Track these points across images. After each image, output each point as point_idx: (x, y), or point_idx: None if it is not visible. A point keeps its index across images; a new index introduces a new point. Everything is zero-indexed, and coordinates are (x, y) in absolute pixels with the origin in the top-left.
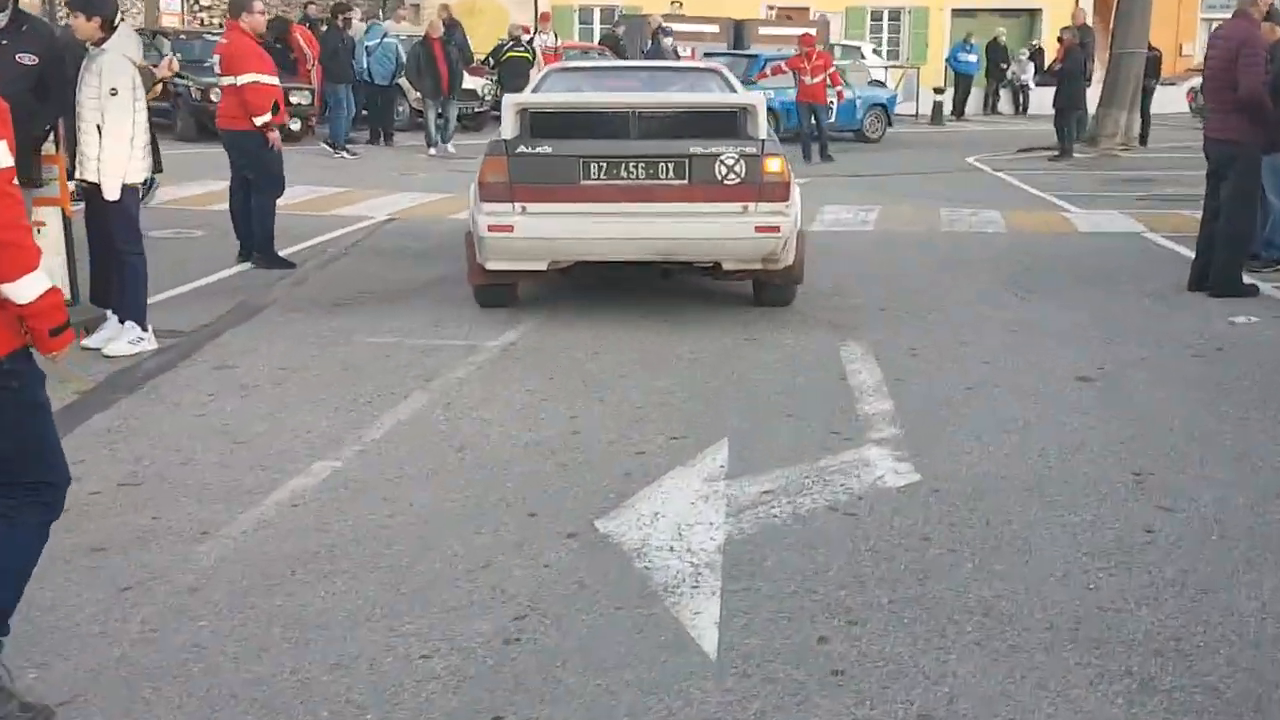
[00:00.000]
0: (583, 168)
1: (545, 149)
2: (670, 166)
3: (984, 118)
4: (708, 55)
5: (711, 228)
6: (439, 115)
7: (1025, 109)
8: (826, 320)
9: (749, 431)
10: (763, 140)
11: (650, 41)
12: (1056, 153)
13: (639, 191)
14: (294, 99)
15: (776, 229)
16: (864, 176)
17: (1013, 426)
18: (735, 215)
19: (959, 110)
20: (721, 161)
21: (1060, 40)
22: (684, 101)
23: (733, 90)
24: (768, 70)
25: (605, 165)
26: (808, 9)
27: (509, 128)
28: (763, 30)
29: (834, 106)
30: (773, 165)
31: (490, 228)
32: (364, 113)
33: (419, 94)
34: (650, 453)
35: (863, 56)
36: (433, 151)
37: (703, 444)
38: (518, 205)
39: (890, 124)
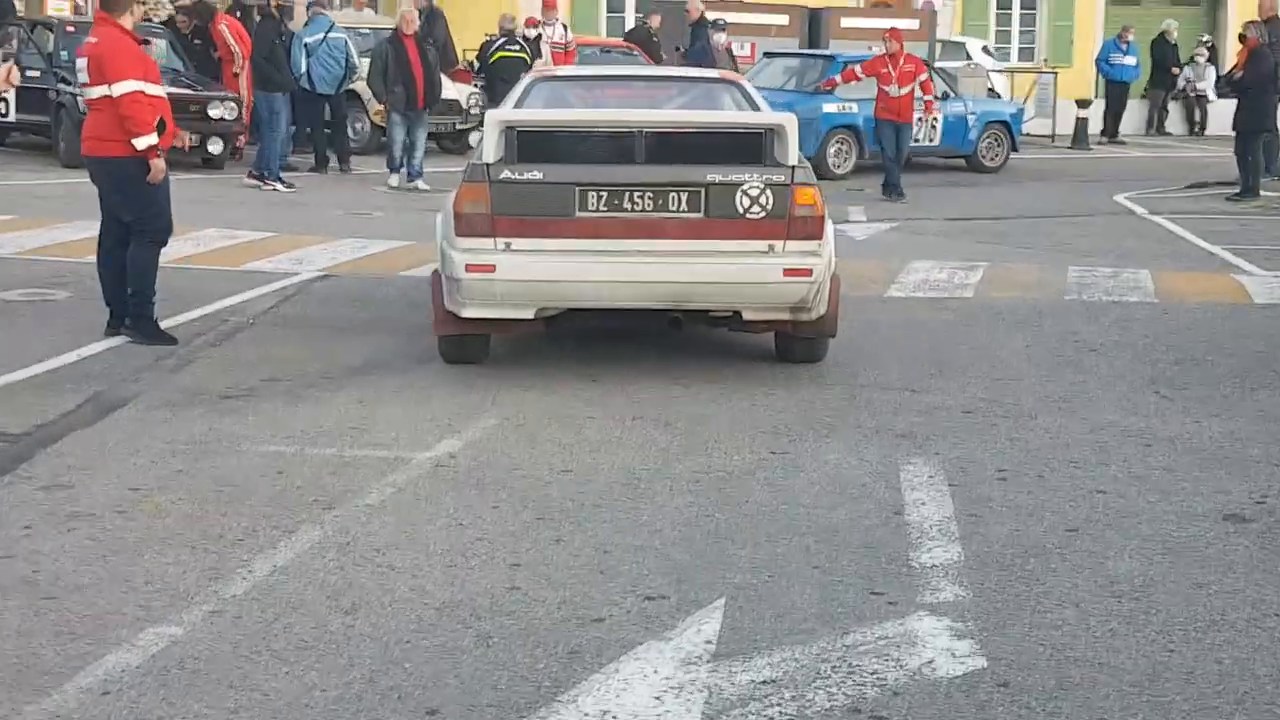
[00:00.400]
0: (579, 197)
1: (534, 174)
2: (683, 197)
3: (1147, 139)
4: (768, 55)
5: (732, 269)
6: (407, 135)
7: (1203, 128)
8: (890, 426)
9: (755, 590)
10: (793, 167)
11: (691, 37)
12: (1238, 190)
13: (646, 225)
14: (215, 111)
15: (808, 272)
16: (972, 221)
17: (1126, 589)
18: (760, 255)
19: (1112, 130)
20: (744, 192)
21: (1242, 39)
22: (701, 120)
23: (755, 107)
24: (837, 77)
25: (606, 194)
26: None
27: (491, 149)
28: (847, 21)
29: (926, 123)
30: (805, 197)
31: (469, 267)
32: (306, 130)
33: (383, 105)
34: (612, 620)
35: (968, 57)
36: (394, 182)
37: (687, 608)
38: (501, 240)
39: (1015, 148)
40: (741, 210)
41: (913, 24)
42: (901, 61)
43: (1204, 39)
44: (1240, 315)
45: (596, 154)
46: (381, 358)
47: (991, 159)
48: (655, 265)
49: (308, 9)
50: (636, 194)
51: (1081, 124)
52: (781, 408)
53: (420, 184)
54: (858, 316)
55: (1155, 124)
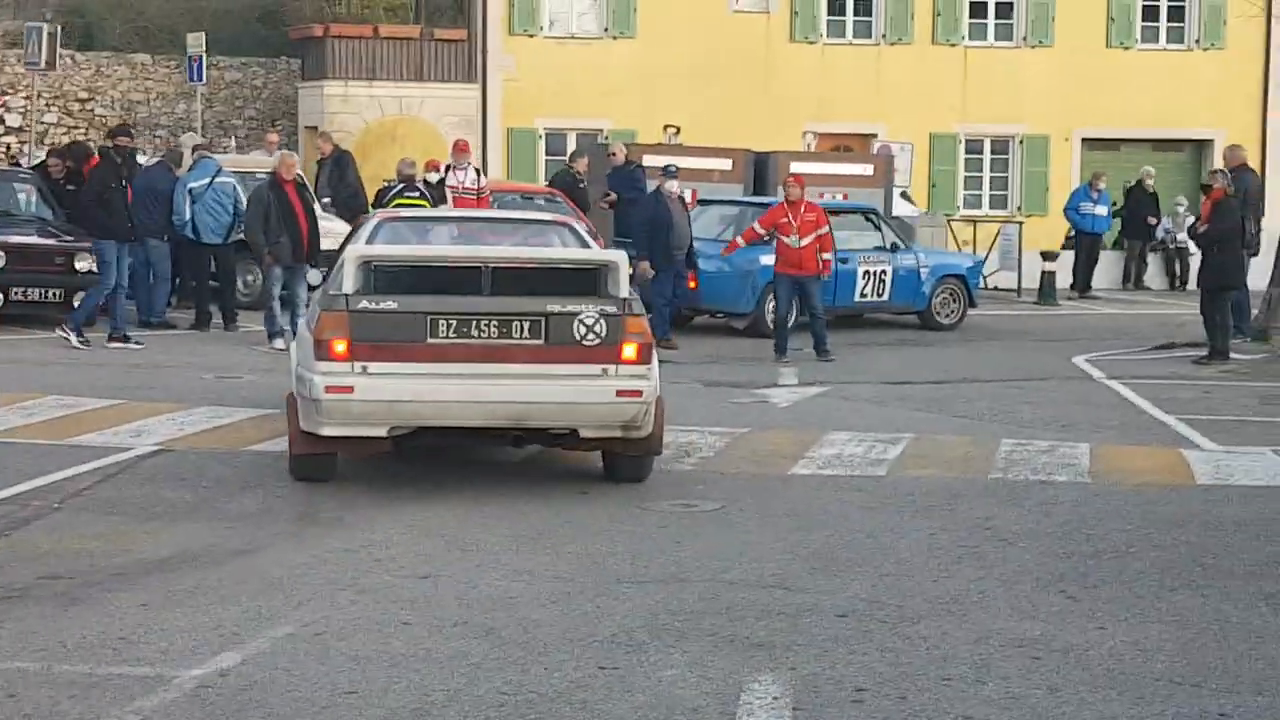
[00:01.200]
0: (430, 325)
1: (389, 304)
2: (526, 325)
3: (1123, 294)
4: (703, 203)
5: (569, 391)
6: (284, 289)
7: (1184, 282)
8: (747, 634)
9: None
10: (624, 299)
11: (619, 180)
12: (1205, 353)
13: (492, 351)
14: (81, 264)
15: (639, 393)
16: (910, 385)
17: None
18: (595, 378)
19: (1083, 283)
20: (581, 321)
21: (1205, 190)
22: (541, 257)
23: (587, 245)
24: (739, 239)
25: (455, 323)
26: (872, 135)
27: (349, 280)
28: (797, 166)
29: (874, 277)
30: (635, 325)
31: (329, 389)
32: (191, 283)
33: (261, 257)
34: None
35: (903, 197)
36: (279, 345)
37: None
38: (358, 364)
39: (972, 303)
40: (579, 337)
41: (866, 169)
42: (803, 210)
43: (1179, 202)
44: (1179, 498)
45: (447, 286)
46: (191, 549)
47: (946, 316)
48: (500, 386)
49: (193, 151)
50: (483, 323)
51: (1048, 277)
52: (629, 610)
53: (279, 343)
54: (751, 499)
55: (1133, 277)
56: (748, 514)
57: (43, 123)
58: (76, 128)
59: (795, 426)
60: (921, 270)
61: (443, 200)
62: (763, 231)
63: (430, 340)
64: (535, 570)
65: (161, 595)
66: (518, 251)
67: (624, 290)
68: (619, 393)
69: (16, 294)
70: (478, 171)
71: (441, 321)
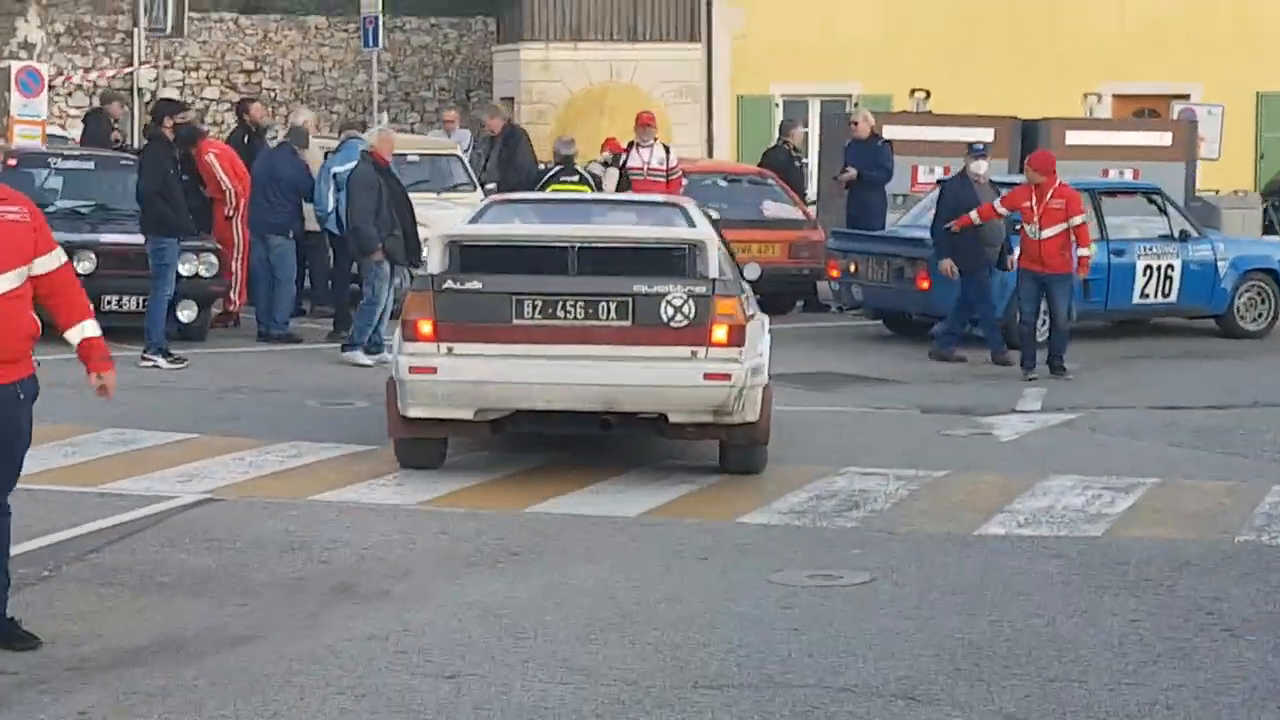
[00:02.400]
0: (515, 305)
1: (474, 285)
2: (612, 306)
3: None
4: (941, 183)
5: (656, 373)
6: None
7: None
8: None
9: None
10: (714, 279)
11: (869, 158)
12: None
13: (577, 332)
14: (185, 268)
15: (727, 377)
16: (1182, 411)
17: None
18: (682, 360)
19: None
20: (668, 302)
21: None
22: (628, 236)
23: (694, 227)
24: (972, 215)
25: (540, 303)
26: (1183, 96)
27: (435, 261)
28: (1075, 136)
29: (1159, 273)
30: (725, 307)
31: (412, 369)
32: (328, 283)
33: (370, 254)
34: None
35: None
36: (364, 359)
37: None
38: (443, 345)
39: None
40: (666, 319)
41: (1163, 139)
42: (1049, 196)
43: None
44: None
45: (533, 266)
46: (178, 635)
47: (1253, 320)
48: (586, 368)
49: (340, 132)
50: (569, 303)
51: None
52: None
53: (361, 356)
54: (914, 568)
55: None
56: (902, 590)
57: (203, 98)
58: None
59: (1009, 468)
60: (1219, 263)
61: (627, 185)
62: (1004, 211)
63: (516, 321)
64: (594, 669)
65: (111, 700)
66: (605, 229)
67: (714, 270)
68: (707, 375)
69: (109, 303)
70: (666, 150)
71: (527, 302)
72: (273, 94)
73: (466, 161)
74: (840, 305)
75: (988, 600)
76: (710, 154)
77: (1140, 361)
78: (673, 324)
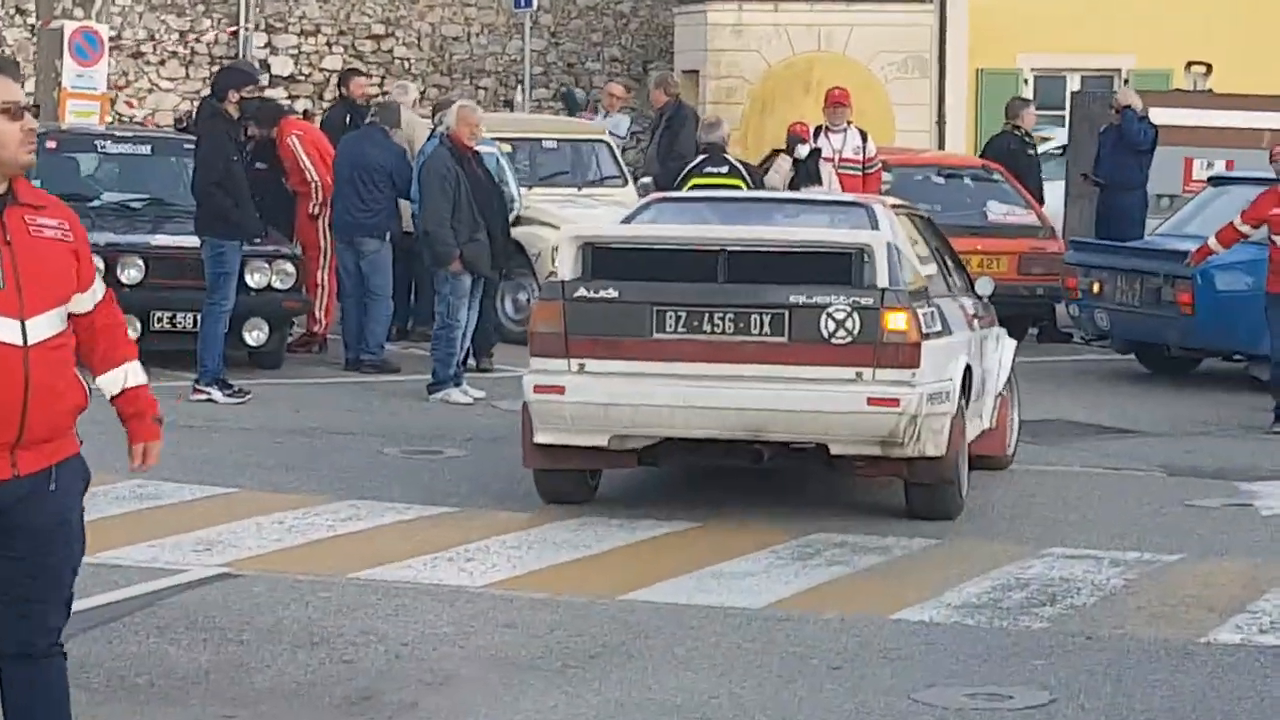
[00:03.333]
0: (656, 317)
1: (610, 292)
2: (765, 319)
3: None
4: (1217, 181)
5: (814, 397)
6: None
7: None
8: None
9: None
10: (883, 290)
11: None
12: None
13: (725, 349)
14: (255, 279)
15: (895, 402)
16: None
17: None
18: (844, 382)
19: None
20: (829, 315)
21: None
22: (784, 239)
23: (875, 230)
24: (1209, 242)
25: (684, 315)
26: None
27: (567, 266)
28: None
29: None
30: (895, 321)
31: (538, 388)
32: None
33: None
34: None
35: None
36: (456, 396)
37: None
38: (574, 362)
39: None
40: (826, 334)
41: None
42: None
43: None
44: None
45: (677, 273)
46: None
47: None
48: (735, 391)
49: (433, 115)
50: (717, 315)
51: None
52: None
53: (455, 394)
54: (1108, 687)
55: None
56: (1088, 716)
57: (322, 69)
58: (368, 74)
59: (1266, 552)
60: None
61: (814, 179)
62: (1248, 230)
63: (656, 335)
64: None
65: None
66: (757, 232)
67: (884, 279)
68: (871, 400)
69: (160, 320)
70: (863, 136)
71: (669, 313)
72: (406, 64)
73: (618, 150)
74: (1084, 335)
75: None
76: (941, 143)
77: None
78: (834, 340)
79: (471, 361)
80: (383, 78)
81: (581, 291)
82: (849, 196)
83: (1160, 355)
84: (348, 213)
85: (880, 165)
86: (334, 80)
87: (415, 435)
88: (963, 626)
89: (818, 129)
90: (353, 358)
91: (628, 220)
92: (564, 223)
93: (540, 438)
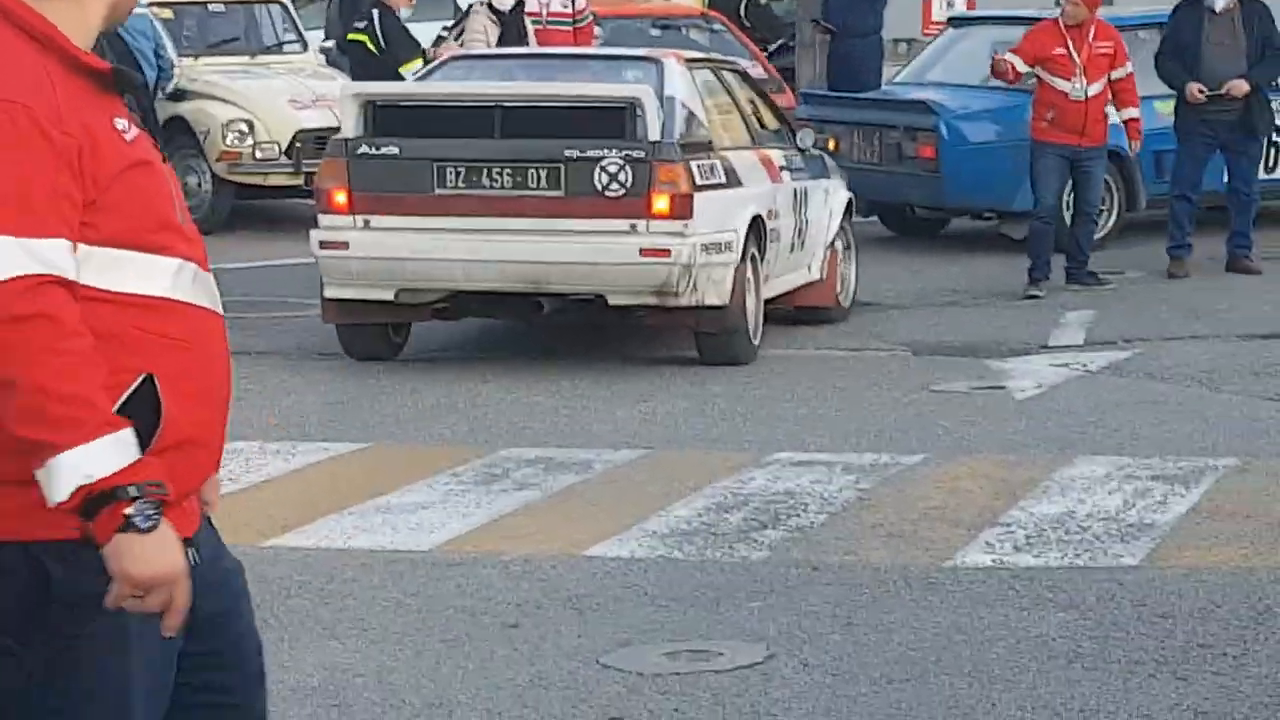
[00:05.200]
0: (436, 173)
1: (391, 149)
2: (541, 173)
3: None
4: (957, 22)
5: (589, 250)
6: None
7: None
8: None
9: None
10: (655, 142)
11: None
12: None
13: (504, 203)
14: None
15: (666, 253)
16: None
17: None
18: (618, 234)
19: None
20: (602, 168)
21: None
22: (557, 94)
23: (661, 86)
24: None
25: (463, 170)
26: None
27: (350, 124)
28: None
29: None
30: (668, 174)
31: (324, 244)
32: None
33: None
34: None
35: None
36: None
37: None
38: (359, 218)
39: None
40: (600, 187)
41: None
42: (1091, 37)
43: None
44: None
45: (456, 129)
46: None
47: None
48: (514, 244)
49: None
50: (495, 170)
51: None
52: None
53: None
54: (837, 632)
55: None
56: (811, 675)
57: None
58: None
59: (1020, 446)
60: None
61: (523, 37)
62: (1023, 68)
63: (437, 190)
64: None
65: None
66: (532, 87)
67: (656, 132)
68: (644, 251)
69: None
70: None
71: (449, 169)
72: None
73: (293, 10)
74: None
75: (945, 695)
76: None
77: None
78: (607, 193)
79: None
80: None
81: (364, 149)
82: (640, 51)
83: (904, 217)
84: None
85: (591, 18)
86: None
87: None
88: (667, 561)
89: None
90: None
91: (423, 78)
92: (235, 96)
93: (329, 292)
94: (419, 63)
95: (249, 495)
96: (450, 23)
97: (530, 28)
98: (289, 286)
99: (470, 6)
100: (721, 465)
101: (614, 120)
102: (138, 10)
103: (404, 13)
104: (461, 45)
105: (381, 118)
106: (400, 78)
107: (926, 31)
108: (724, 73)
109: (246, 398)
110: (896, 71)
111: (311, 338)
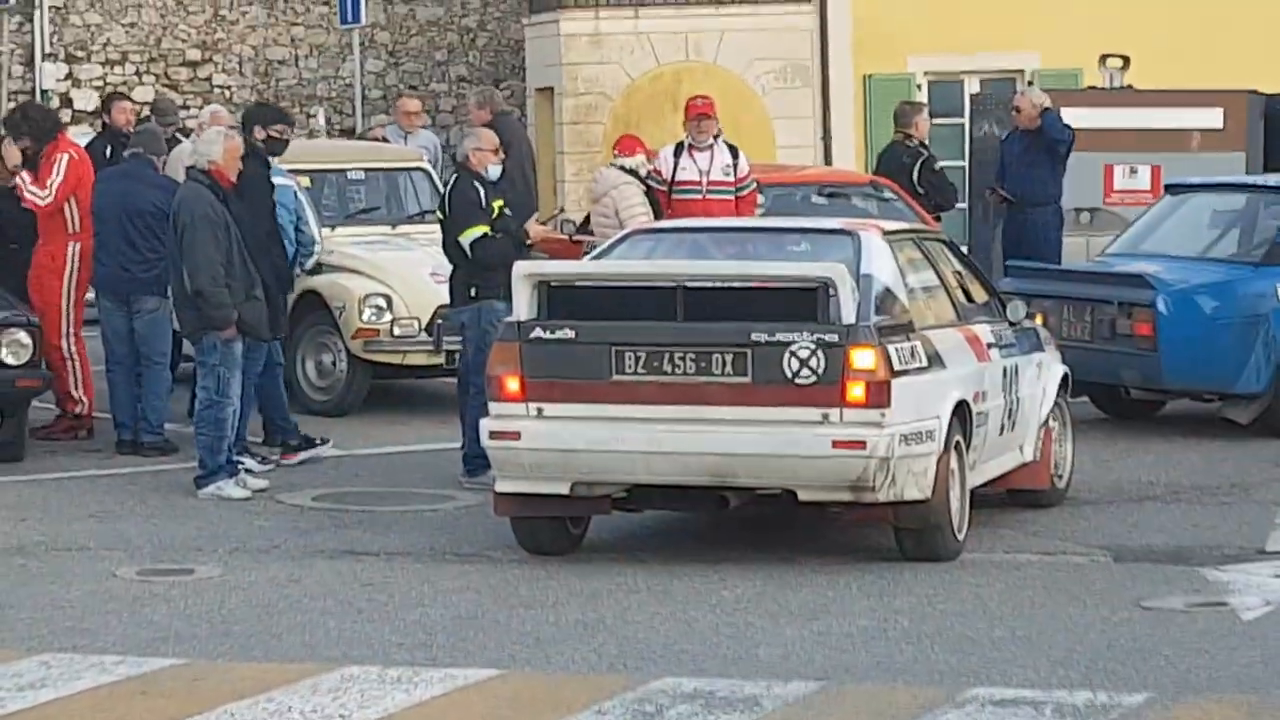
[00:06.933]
0: (614, 358)
1: (566, 333)
2: (727, 359)
3: None
4: (1172, 190)
5: (777, 441)
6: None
7: None
8: None
9: None
10: (848, 326)
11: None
12: None
13: (686, 391)
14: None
15: (862, 445)
16: None
17: None
18: (809, 424)
19: None
20: (792, 353)
21: None
22: (742, 273)
23: (860, 259)
24: None
25: (644, 355)
26: None
27: (522, 305)
28: None
29: None
30: (862, 359)
31: (494, 434)
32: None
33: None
34: None
35: None
36: (241, 491)
37: None
38: (532, 406)
39: None
40: (790, 374)
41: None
42: None
43: None
44: None
45: (635, 311)
46: None
47: None
48: (697, 435)
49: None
50: (677, 355)
51: None
52: None
53: (229, 486)
54: None
55: None
56: None
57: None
58: (185, 107)
59: (1263, 685)
60: None
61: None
62: None
63: (615, 376)
64: None
65: None
66: (716, 266)
67: (850, 314)
68: (836, 444)
69: None
70: (734, 151)
71: (628, 353)
72: (227, 93)
73: (438, 179)
74: None
75: None
76: (828, 158)
77: None
78: (798, 380)
79: (254, 456)
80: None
81: (537, 332)
82: (837, 223)
83: (1118, 397)
84: (120, 265)
85: (755, 185)
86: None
87: (166, 548)
88: None
89: (678, 146)
90: (128, 439)
91: (600, 255)
92: (374, 269)
93: (500, 486)
94: (480, 230)
95: None
96: None
97: (674, 199)
98: (429, 476)
99: (599, 173)
100: (910, 702)
101: (805, 301)
102: (281, 181)
103: (492, 172)
104: (619, 224)
105: (556, 298)
106: (460, 248)
107: (1108, 201)
108: (928, 243)
109: (370, 609)
110: (1110, 242)
111: (446, 536)
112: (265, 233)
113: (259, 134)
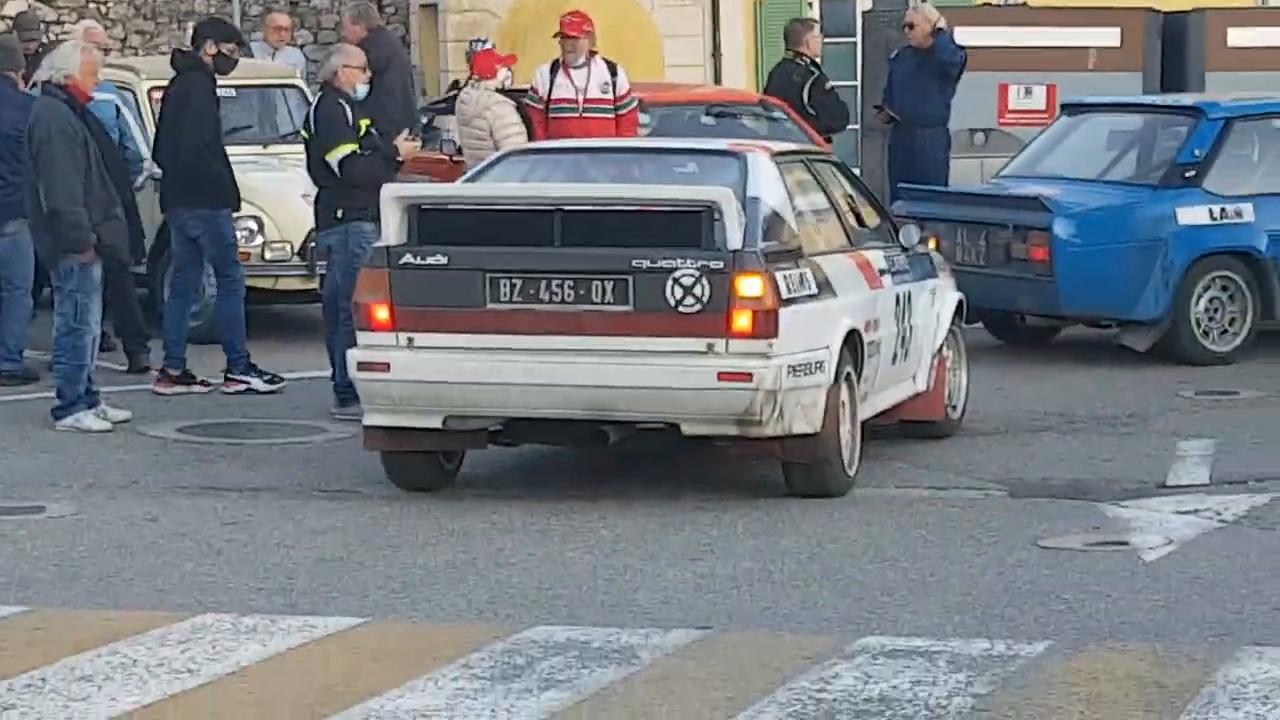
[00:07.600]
0: (489, 285)
1: (438, 259)
2: (607, 286)
3: None
4: (1069, 109)
5: (661, 373)
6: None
7: None
8: None
9: None
10: (734, 252)
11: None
12: None
13: (564, 320)
14: None
15: (748, 376)
16: None
17: None
18: (694, 355)
19: None
20: (676, 280)
21: None
22: (626, 196)
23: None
24: None
25: (519, 282)
26: None
27: (392, 230)
28: (1238, 36)
29: None
30: (749, 287)
31: (362, 365)
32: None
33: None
34: None
35: None
36: (101, 423)
37: None
38: (402, 336)
39: None
40: (673, 301)
41: None
42: None
43: None
44: None
45: (511, 236)
46: None
47: None
48: (575, 366)
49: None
50: (554, 282)
51: None
52: None
53: (87, 418)
54: None
55: None
56: None
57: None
58: (60, 23)
59: (1167, 631)
60: None
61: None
62: None
63: (490, 305)
64: None
65: None
66: (598, 189)
67: (736, 240)
68: (723, 375)
69: None
70: (612, 69)
71: (504, 280)
72: (103, 8)
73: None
74: None
75: None
76: (718, 77)
77: None
78: (681, 308)
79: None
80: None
81: (408, 258)
82: (723, 144)
83: (1011, 324)
84: None
85: (636, 103)
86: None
87: (18, 484)
88: None
89: (553, 64)
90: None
91: (473, 177)
92: (244, 190)
93: (369, 419)
94: (347, 148)
95: (211, 693)
96: None
97: (551, 117)
98: (299, 407)
99: (461, 91)
100: (796, 653)
101: (689, 226)
102: (103, 96)
103: (360, 90)
104: (495, 145)
105: (427, 223)
106: (329, 168)
107: (1003, 121)
108: (818, 165)
109: (229, 550)
110: (1005, 164)
111: (315, 470)
112: (206, 145)
113: (210, 49)
